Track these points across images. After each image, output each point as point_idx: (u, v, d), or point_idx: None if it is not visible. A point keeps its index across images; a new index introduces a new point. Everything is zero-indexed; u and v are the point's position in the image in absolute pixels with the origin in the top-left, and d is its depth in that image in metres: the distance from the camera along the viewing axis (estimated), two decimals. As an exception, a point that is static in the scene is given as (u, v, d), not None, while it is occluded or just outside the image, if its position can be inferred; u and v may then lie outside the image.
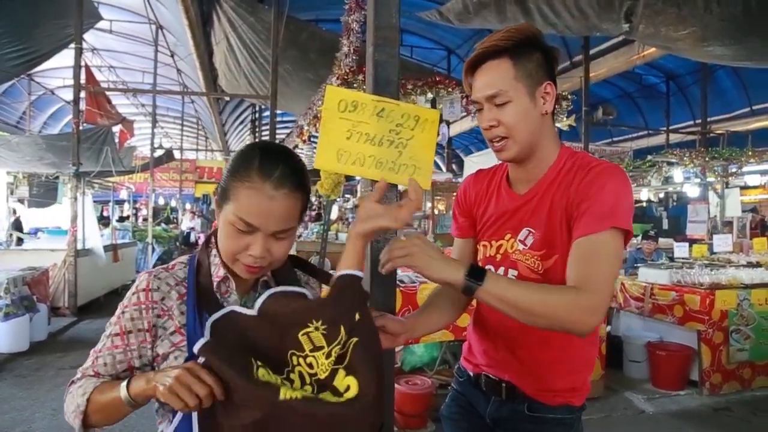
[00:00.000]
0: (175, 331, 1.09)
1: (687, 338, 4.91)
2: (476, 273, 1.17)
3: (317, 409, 0.96)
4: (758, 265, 5.77)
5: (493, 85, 1.31)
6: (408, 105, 1.78)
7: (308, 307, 1.06)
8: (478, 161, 11.19)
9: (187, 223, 16.52)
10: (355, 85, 3.93)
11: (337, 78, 3.69)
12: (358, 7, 3.28)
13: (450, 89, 4.00)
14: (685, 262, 5.90)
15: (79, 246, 7.98)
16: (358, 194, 9.38)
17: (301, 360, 1.02)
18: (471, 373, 1.55)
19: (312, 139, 6.76)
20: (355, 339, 1.04)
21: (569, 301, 1.16)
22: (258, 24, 8.72)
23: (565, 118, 4.59)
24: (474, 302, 1.59)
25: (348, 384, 1.01)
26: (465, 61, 1.39)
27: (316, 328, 1.03)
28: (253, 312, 1.04)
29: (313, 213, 10.58)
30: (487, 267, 1.44)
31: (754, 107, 13.57)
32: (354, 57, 3.49)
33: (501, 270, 1.44)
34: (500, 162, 1.57)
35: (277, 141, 10.53)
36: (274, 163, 1.05)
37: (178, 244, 15.51)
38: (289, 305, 1.06)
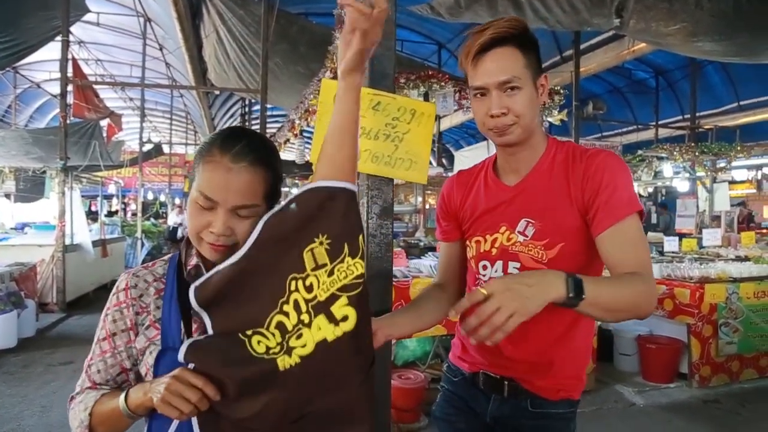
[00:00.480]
0: (150, 326, 1.09)
1: (677, 331, 4.95)
2: (576, 287, 1.07)
3: (316, 361, 0.98)
4: (746, 259, 5.83)
5: (507, 71, 1.29)
6: (404, 99, 1.76)
7: (314, 219, 1.01)
8: (469, 155, 11.21)
9: (174, 218, 15.87)
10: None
11: (329, 71, 3.66)
12: (352, 0, 3.24)
13: (443, 83, 3.98)
14: (674, 256, 5.95)
15: (68, 241, 7.90)
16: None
17: (299, 283, 1.00)
18: (467, 372, 1.53)
19: (303, 133, 6.72)
20: (359, 266, 1.01)
21: (644, 288, 1.19)
22: (248, 17, 8.64)
23: (557, 113, 4.59)
24: None
25: (346, 314, 0.99)
26: (464, 48, 1.34)
27: (321, 243, 1.01)
28: (239, 255, 1.01)
29: None
30: (483, 262, 1.45)
31: (742, 103, 13.68)
32: (347, 50, 3.46)
33: (499, 264, 1.42)
34: (482, 161, 1.57)
35: (267, 135, 10.47)
36: (236, 139, 1.06)
37: (165, 239, 15.42)
38: (292, 221, 1.02)
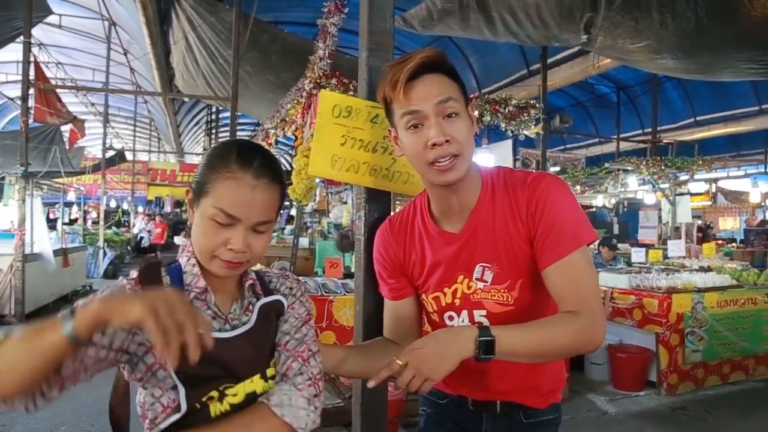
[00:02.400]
0: None
1: (646, 341, 5.08)
2: (486, 347, 1.10)
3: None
4: (709, 269, 6.04)
5: (444, 92, 1.21)
6: (402, 111, 1.76)
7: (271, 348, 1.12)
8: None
9: (140, 225, 15.27)
10: (327, 89, 3.90)
11: (310, 81, 3.65)
12: (337, 10, 3.24)
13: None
14: (642, 267, 6.12)
15: (27, 250, 7.58)
16: (349, 203, 9.28)
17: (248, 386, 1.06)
18: (453, 394, 1.49)
19: (278, 143, 6.66)
20: None
21: (577, 329, 1.17)
22: (218, 24, 8.53)
23: (533, 126, 4.69)
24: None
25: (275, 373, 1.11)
26: (389, 77, 1.25)
27: (271, 377, 1.11)
28: (228, 335, 1.05)
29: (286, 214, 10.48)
30: (449, 313, 1.39)
31: (698, 118, 14.26)
32: (328, 60, 3.46)
33: (465, 314, 1.36)
34: (409, 204, 1.48)
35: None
36: (253, 154, 1.04)
37: (129, 248, 14.82)
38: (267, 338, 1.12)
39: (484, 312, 1.34)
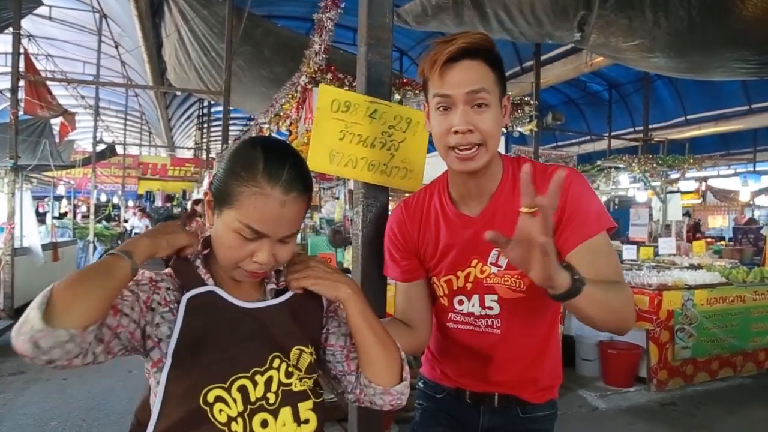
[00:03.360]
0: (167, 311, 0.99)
1: (636, 337, 5.11)
2: (577, 284, 1.05)
3: None
4: (699, 267, 6.10)
5: (477, 81, 1.20)
6: (400, 107, 1.76)
7: (313, 332, 1.08)
8: (431, 162, 11.33)
9: (135, 222, 14.35)
10: (322, 83, 3.90)
11: (305, 75, 3.64)
12: (334, 5, 3.23)
13: (417, 91, 4.01)
14: (633, 264, 6.16)
15: (17, 244, 7.52)
16: (341, 199, 9.23)
17: (283, 365, 1.00)
18: (450, 387, 1.49)
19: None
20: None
21: (629, 297, 1.20)
22: (211, 17, 8.49)
23: (527, 123, 4.70)
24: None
25: (308, 417, 1.01)
26: (429, 55, 1.24)
27: (310, 353, 1.04)
28: (241, 303, 1.01)
29: None
30: (459, 297, 1.40)
31: (689, 117, 14.39)
32: (323, 55, 3.45)
33: (475, 298, 1.37)
34: (427, 187, 1.48)
35: (230, 138, 10.27)
36: (281, 165, 0.97)
37: (120, 243, 14.53)
38: (301, 317, 1.06)
39: (495, 297, 1.35)
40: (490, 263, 1.33)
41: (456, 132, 1.21)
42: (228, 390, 0.95)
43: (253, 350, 0.98)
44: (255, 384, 0.96)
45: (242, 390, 0.96)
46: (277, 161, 0.97)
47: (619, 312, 1.17)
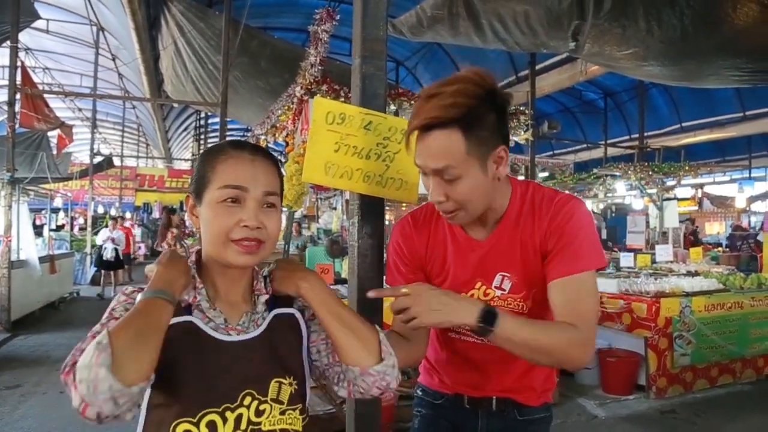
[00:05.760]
0: None
1: (635, 344, 5.11)
2: (487, 318, 1.15)
3: None
4: (696, 273, 6.10)
5: (441, 159, 1.19)
6: (395, 118, 1.77)
7: (291, 361, 1.08)
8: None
9: (105, 234, 11.14)
10: (318, 95, 3.92)
11: (301, 87, 3.66)
12: (329, 17, 3.26)
13: (413, 101, 4.03)
14: (631, 272, 6.17)
15: (14, 257, 7.50)
16: (339, 209, 9.23)
17: (254, 403, 1.00)
18: (449, 393, 1.51)
19: (269, 149, 6.65)
20: (299, 422, 1.05)
21: (571, 338, 1.19)
22: (208, 30, 8.52)
23: (523, 133, 4.73)
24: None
25: None
26: (412, 112, 1.25)
27: (290, 384, 1.04)
28: (219, 336, 1.00)
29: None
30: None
31: (684, 124, 14.46)
32: (319, 67, 3.47)
33: None
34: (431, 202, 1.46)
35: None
36: (243, 142, 1.11)
37: (94, 266, 11.90)
38: (278, 348, 1.06)
39: None
40: (495, 286, 1.37)
41: (433, 200, 1.27)
42: (197, 425, 0.94)
43: (225, 386, 0.98)
44: (225, 420, 0.96)
45: (211, 426, 0.95)
46: (239, 141, 1.11)
47: (556, 354, 1.20)
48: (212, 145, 1.15)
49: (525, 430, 1.48)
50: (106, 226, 11.61)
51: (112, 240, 10.83)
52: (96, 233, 12.18)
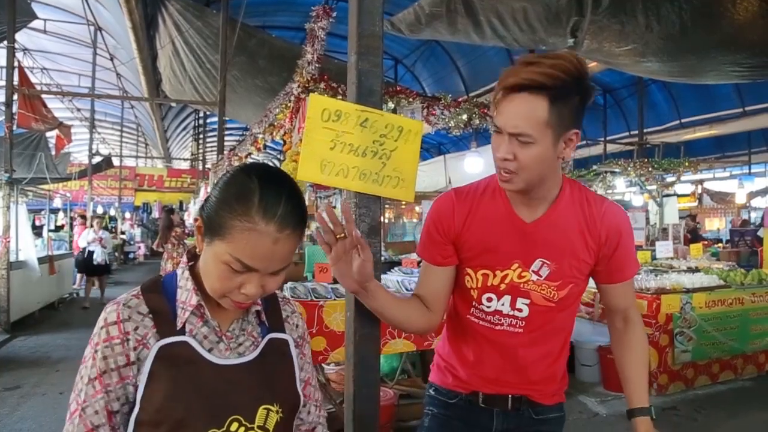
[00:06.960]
0: None
1: (635, 341, 5.09)
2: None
3: None
4: (697, 270, 6.09)
5: (520, 125, 1.24)
6: (392, 115, 1.75)
7: (281, 389, 1.07)
8: (425, 170, 11.34)
9: (90, 235, 9.91)
10: (315, 93, 3.90)
11: (299, 85, 3.64)
12: (326, 14, 3.24)
13: (410, 99, 4.01)
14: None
15: (12, 258, 7.48)
16: (338, 208, 9.23)
17: (240, 429, 0.99)
18: (464, 393, 1.51)
19: (267, 148, 6.64)
20: None
21: (645, 343, 1.55)
22: (206, 29, 8.52)
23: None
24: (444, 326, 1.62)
25: None
26: (501, 76, 1.28)
27: (276, 412, 1.03)
28: (213, 359, 1.00)
29: None
30: (489, 294, 1.44)
31: (683, 120, 14.44)
32: (316, 65, 3.45)
33: (507, 298, 1.41)
34: (484, 181, 1.51)
35: (225, 147, 10.25)
36: (276, 199, 0.94)
37: (76, 269, 10.67)
38: (269, 375, 1.05)
39: (528, 301, 1.40)
40: (532, 271, 1.39)
41: (499, 157, 1.31)
42: None
43: (213, 410, 0.97)
44: None
45: None
46: (273, 195, 0.94)
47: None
48: (243, 178, 0.97)
49: (540, 430, 1.49)
50: (91, 227, 10.20)
51: (100, 241, 9.78)
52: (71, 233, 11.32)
